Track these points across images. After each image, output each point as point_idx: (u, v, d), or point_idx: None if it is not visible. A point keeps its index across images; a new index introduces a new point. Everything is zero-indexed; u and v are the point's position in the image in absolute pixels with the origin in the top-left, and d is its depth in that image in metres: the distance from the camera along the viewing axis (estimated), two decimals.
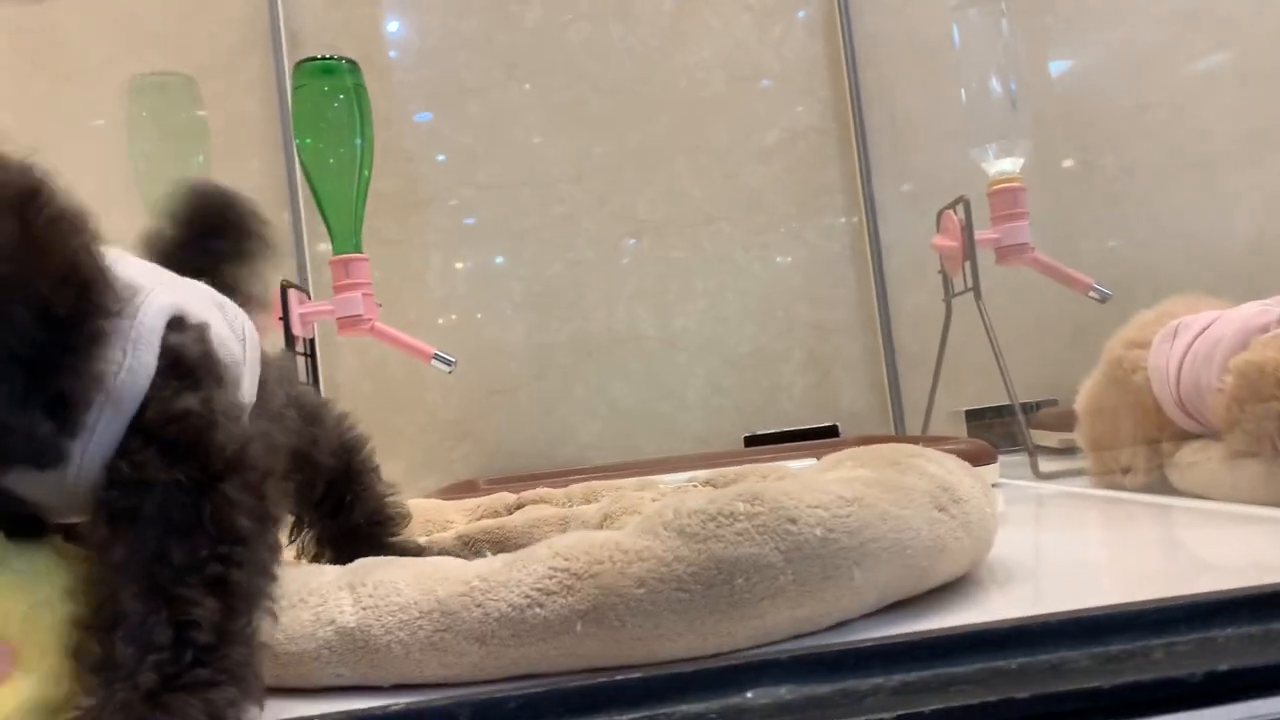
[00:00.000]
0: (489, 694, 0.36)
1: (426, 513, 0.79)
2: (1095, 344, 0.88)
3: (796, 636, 0.43)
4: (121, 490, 0.36)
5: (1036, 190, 1.11)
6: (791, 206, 1.40)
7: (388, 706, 0.37)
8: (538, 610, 0.40)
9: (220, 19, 1.36)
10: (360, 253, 1.10)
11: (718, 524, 0.42)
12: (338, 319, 1.08)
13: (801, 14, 1.42)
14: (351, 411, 0.65)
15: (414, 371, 1.31)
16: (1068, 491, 0.87)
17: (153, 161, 1.13)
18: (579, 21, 1.40)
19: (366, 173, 1.10)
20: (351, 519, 0.62)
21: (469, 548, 0.68)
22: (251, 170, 1.34)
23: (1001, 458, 0.92)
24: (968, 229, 1.05)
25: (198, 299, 0.44)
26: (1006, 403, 1.05)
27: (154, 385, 0.37)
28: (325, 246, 1.22)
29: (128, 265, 0.40)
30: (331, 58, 1.10)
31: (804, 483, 0.46)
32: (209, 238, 0.54)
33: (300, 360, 1.07)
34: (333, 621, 0.42)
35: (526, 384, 1.37)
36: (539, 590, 0.41)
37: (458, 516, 0.79)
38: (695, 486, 0.78)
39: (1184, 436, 0.77)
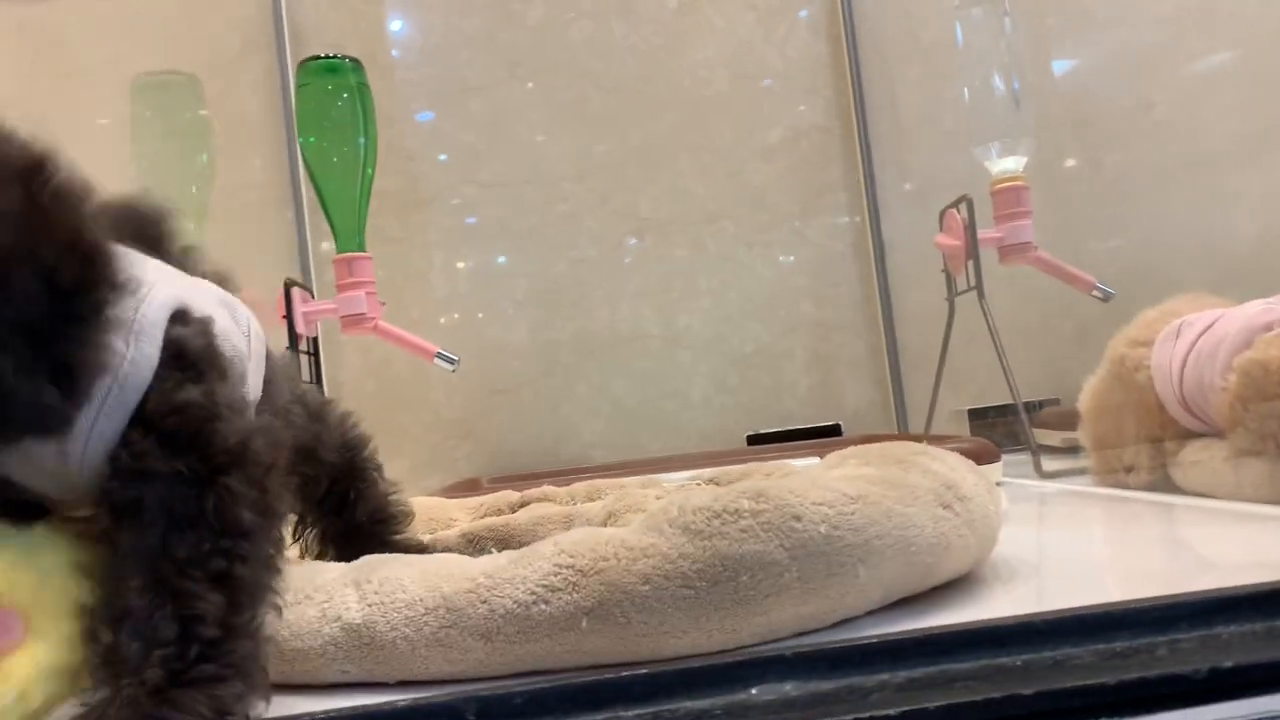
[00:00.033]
0: (494, 690, 0.37)
1: (430, 511, 0.79)
2: (1098, 343, 0.88)
3: (801, 633, 0.43)
4: (123, 481, 0.36)
5: (1039, 189, 1.11)
6: (794, 205, 1.40)
7: (394, 703, 0.37)
8: (543, 607, 0.40)
9: (223, 18, 1.36)
10: (364, 251, 1.10)
11: (723, 521, 0.42)
12: (341, 317, 1.08)
13: (804, 13, 1.42)
14: (355, 410, 0.65)
15: (417, 370, 1.32)
16: (1071, 490, 0.87)
17: (156, 161, 1.13)
18: (581, 20, 1.40)
19: (370, 171, 1.11)
20: (355, 517, 0.62)
21: (473, 545, 0.68)
22: (255, 169, 1.35)
23: (1004, 457, 0.92)
24: (971, 228, 1.05)
25: (203, 296, 0.45)
26: (1009, 401, 1.05)
27: (156, 377, 0.37)
28: (328, 245, 1.22)
29: (133, 261, 0.40)
30: (335, 56, 1.10)
31: (809, 480, 0.46)
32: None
33: (304, 359, 1.08)
34: (338, 618, 0.42)
35: (530, 383, 1.37)
36: (544, 587, 0.41)
37: (461, 514, 0.79)
38: (699, 485, 0.78)
39: (1187, 435, 0.77)
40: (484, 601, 0.41)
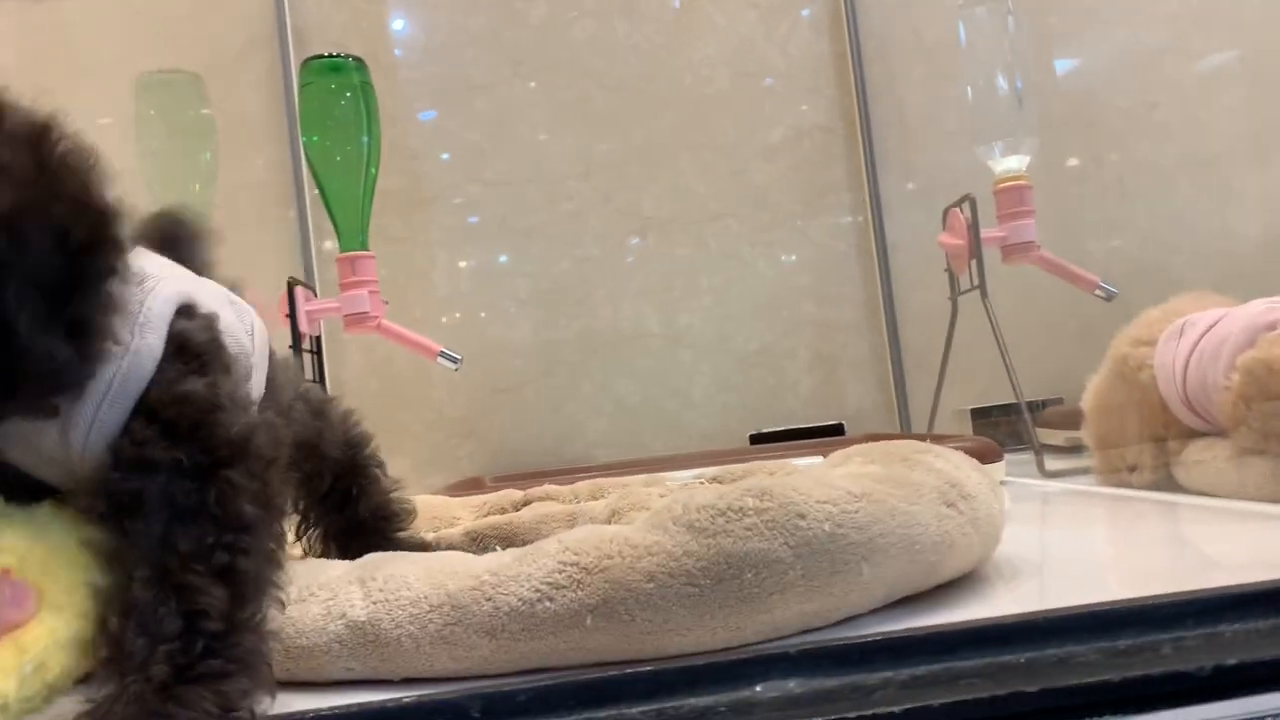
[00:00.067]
0: (499, 687, 0.37)
1: (433, 509, 0.79)
2: (1101, 342, 0.88)
3: (805, 631, 0.43)
4: (124, 472, 0.37)
5: (1042, 188, 1.11)
6: (797, 204, 1.40)
7: (399, 700, 0.37)
8: (548, 604, 0.40)
9: (227, 17, 1.36)
10: (367, 250, 1.10)
11: (727, 519, 0.42)
12: (344, 316, 1.09)
13: (807, 11, 1.42)
14: (357, 408, 0.65)
15: (420, 369, 1.32)
16: (1074, 489, 0.87)
17: (160, 159, 1.13)
18: (584, 19, 1.40)
19: (373, 170, 1.11)
20: (357, 514, 0.62)
21: (477, 544, 0.69)
22: (258, 167, 1.35)
23: (1007, 456, 0.92)
24: (974, 227, 1.05)
25: (208, 292, 0.45)
26: (1012, 401, 1.05)
27: (160, 369, 0.38)
28: (331, 244, 1.22)
29: (142, 257, 0.40)
30: (339, 55, 1.10)
31: (813, 478, 0.46)
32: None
33: (307, 357, 1.08)
34: (343, 615, 0.42)
35: (532, 381, 1.37)
36: (549, 584, 0.41)
37: (464, 513, 0.79)
38: (702, 483, 0.78)
39: (1190, 434, 0.77)
40: (489, 599, 0.41)
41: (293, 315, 1.04)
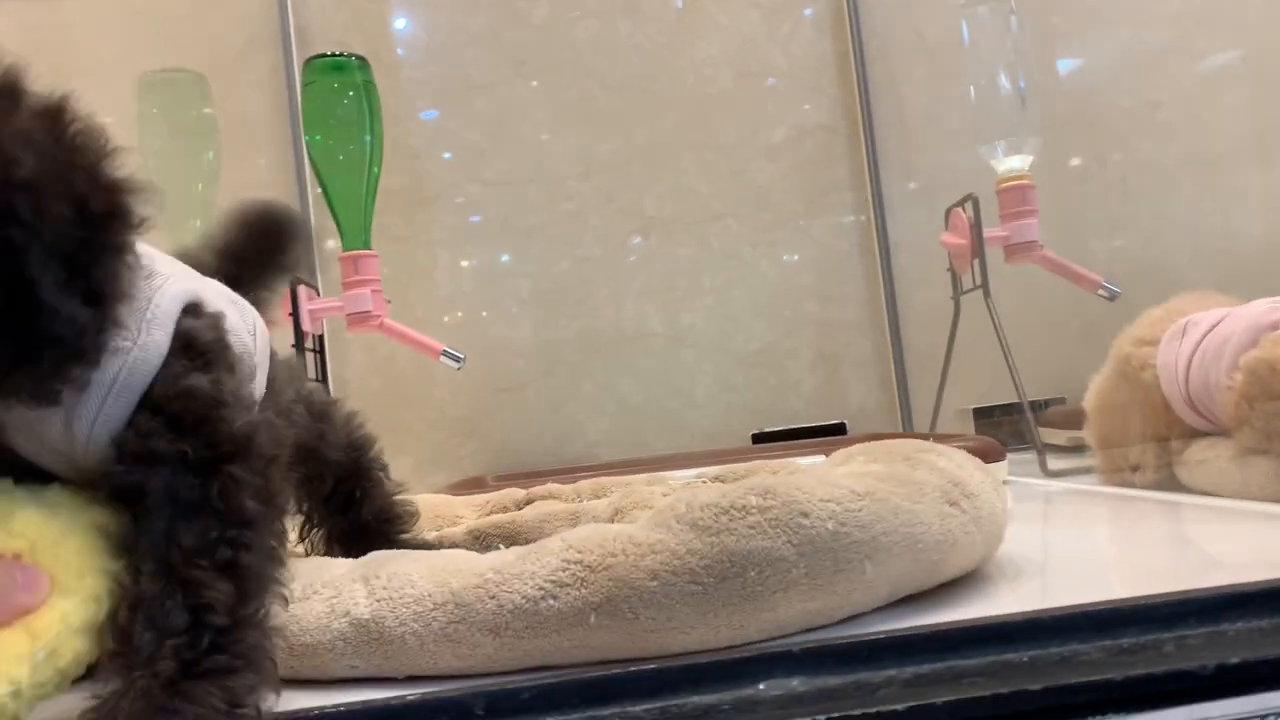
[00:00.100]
0: (503, 685, 0.37)
1: (436, 508, 0.79)
2: (1104, 342, 0.88)
3: (809, 629, 0.43)
4: (128, 466, 0.37)
5: (1045, 188, 1.11)
6: (799, 204, 1.40)
7: (402, 698, 0.37)
8: (551, 602, 0.40)
9: (229, 16, 1.36)
10: (369, 249, 1.10)
11: (730, 517, 0.42)
12: (347, 315, 1.09)
13: (809, 11, 1.42)
14: (360, 407, 0.65)
15: (422, 368, 1.32)
16: (1076, 489, 0.87)
17: (163, 158, 1.13)
18: (586, 18, 1.40)
19: (376, 169, 1.11)
20: (360, 516, 0.62)
21: (480, 542, 0.69)
22: (260, 167, 1.35)
23: (1010, 455, 0.92)
24: (976, 226, 1.05)
25: (214, 292, 0.45)
26: (1015, 400, 1.05)
27: (165, 364, 0.38)
28: (334, 243, 1.22)
29: (149, 256, 0.41)
30: (341, 54, 1.10)
31: (816, 477, 0.46)
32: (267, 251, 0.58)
33: (309, 356, 1.08)
34: (347, 613, 0.43)
35: (534, 381, 1.37)
36: (552, 582, 0.41)
37: (467, 512, 0.80)
38: (705, 482, 0.78)
39: (1193, 434, 0.77)
40: (492, 597, 0.41)
41: (295, 314, 1.04)
